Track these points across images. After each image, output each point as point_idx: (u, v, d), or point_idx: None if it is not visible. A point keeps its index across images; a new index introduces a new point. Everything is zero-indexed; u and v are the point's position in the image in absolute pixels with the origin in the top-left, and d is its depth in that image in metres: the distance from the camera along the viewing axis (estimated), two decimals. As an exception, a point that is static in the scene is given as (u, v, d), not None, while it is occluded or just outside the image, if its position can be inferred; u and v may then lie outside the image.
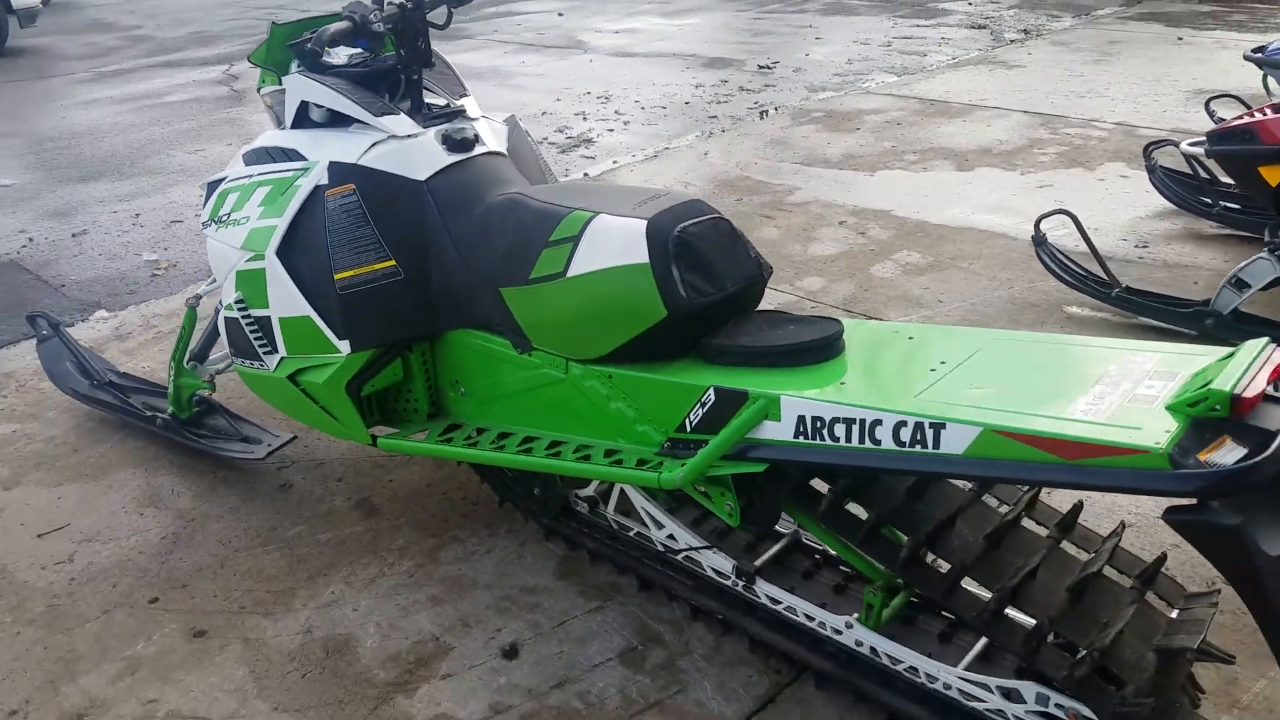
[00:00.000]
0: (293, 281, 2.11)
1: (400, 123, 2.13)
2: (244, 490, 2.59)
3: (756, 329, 1.81)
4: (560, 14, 9.78)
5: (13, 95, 7.37)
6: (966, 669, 1.67)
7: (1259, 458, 1.24)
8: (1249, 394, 1.27)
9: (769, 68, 7.11)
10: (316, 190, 2.09)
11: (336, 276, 2.05)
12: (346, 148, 2.11)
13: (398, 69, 2.21)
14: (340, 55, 2.23)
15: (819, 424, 1.56)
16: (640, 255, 1.74)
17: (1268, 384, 1.31)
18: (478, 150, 2.17)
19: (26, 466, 2.71)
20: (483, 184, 2.11)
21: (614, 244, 1.78)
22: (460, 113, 2.25)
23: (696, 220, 1.81)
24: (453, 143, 2.13)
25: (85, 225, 4.62)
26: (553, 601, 2.16)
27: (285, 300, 2.13)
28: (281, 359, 2.19)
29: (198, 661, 2.03)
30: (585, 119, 6.07)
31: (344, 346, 2.08)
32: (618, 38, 8.52)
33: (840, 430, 1.53)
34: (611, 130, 5.81)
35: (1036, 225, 3.21)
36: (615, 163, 5.17)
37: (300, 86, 2.20)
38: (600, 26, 9.06)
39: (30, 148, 5.95)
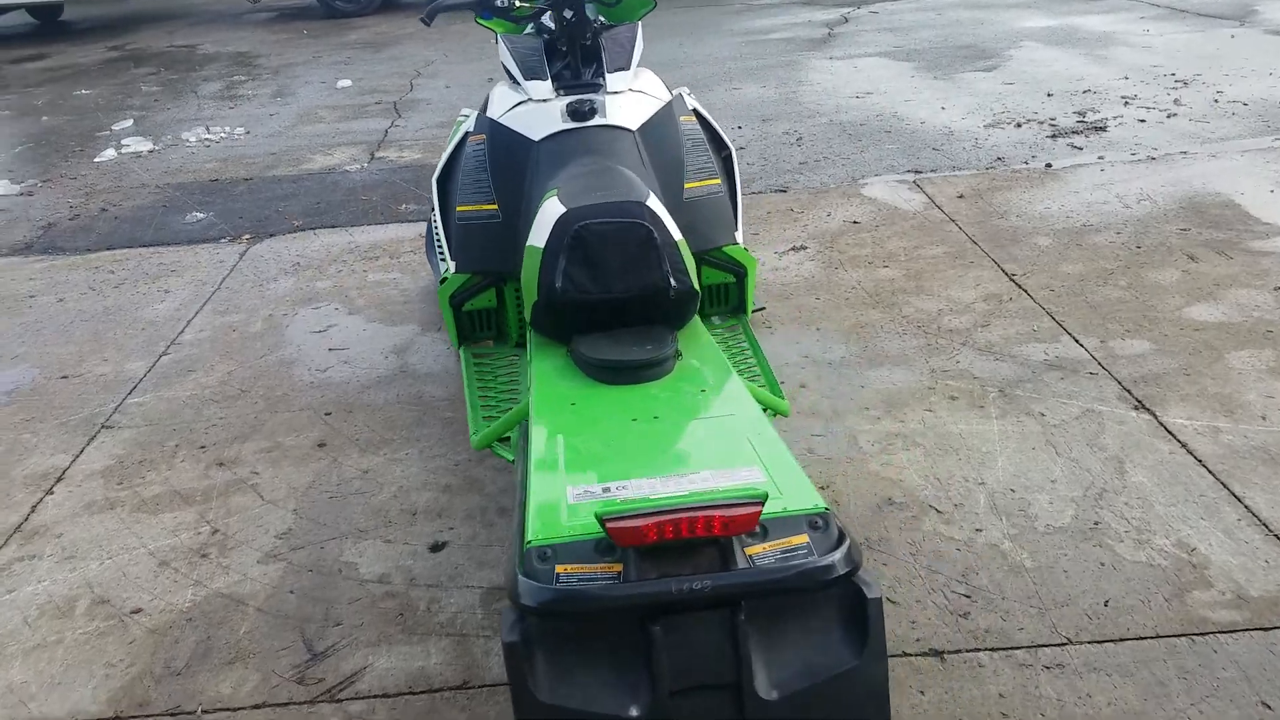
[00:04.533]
0: (439, 205, 2.56)
1: (540, 88, 2.39)
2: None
3: (617, 339, 1.77)
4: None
5: (686, 19, 8.80)
6: None
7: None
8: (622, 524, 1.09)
9: None
10: (465, 135, 2.48)
11: (457, 208, 2.44)
12: (500, 102, 2.45)
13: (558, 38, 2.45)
14: (547, 20, 2.54)
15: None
16: (542, 239, 1.83)
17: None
18: (595, 121, 2.33)
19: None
20: (578, 152, 2.28)
21: (541, 224, 1.88)
22: (597, 86, 2.41)
23: (609, 221, 1.81)
24: (574, 112, 2.32)
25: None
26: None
27: (440, 219, 2.60)
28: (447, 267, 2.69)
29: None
30: (1128, 104, 5.22)
31: (452, 266, 2.49)
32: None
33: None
34: (1143, 121, 4.93)
35: None
36: (1100, 157, 4.46)
37: (500, 45, 2.59)
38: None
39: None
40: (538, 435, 1.46)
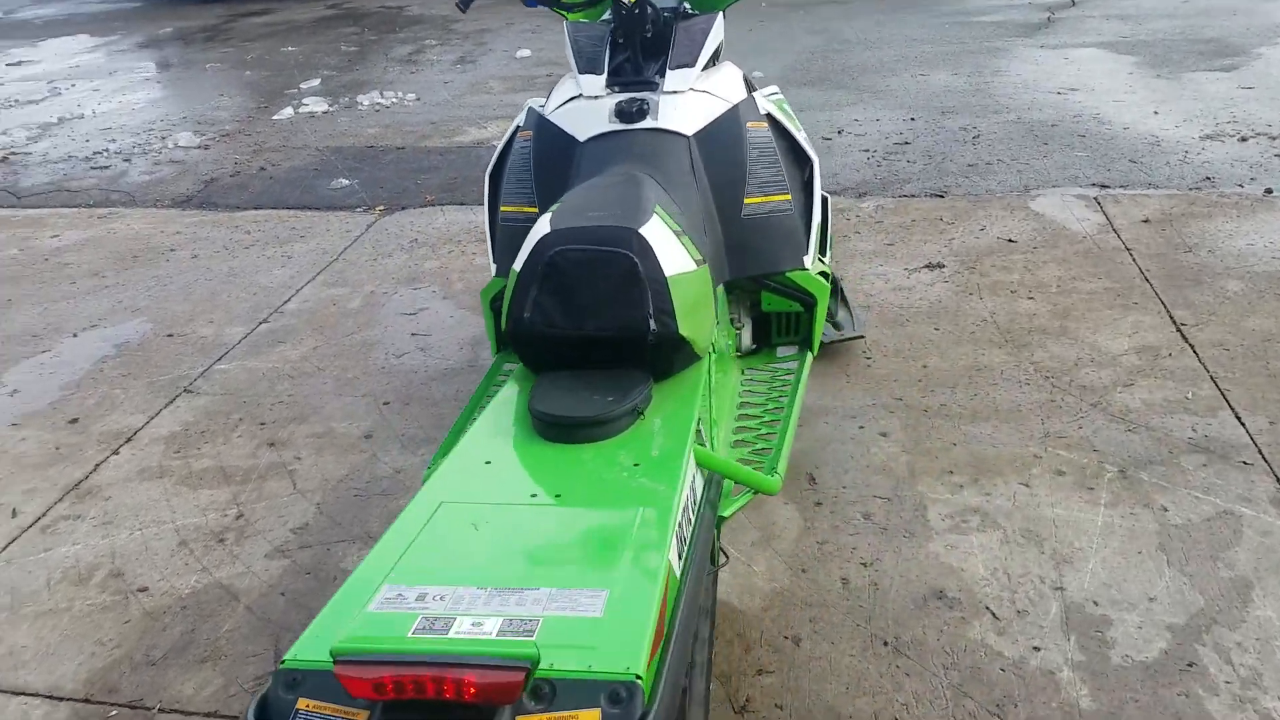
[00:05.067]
0: (489, 202, 2.40)
1: (593, 83, 2.18)
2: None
3: (579, 384, 1.56)
4: None
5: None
6: None
7: None
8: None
9: None
10: (516, 130, 2.31)
11: (501, 208, 2.29)
12: (556, 96, 2.26)
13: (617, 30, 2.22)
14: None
15: None
16: (520, 261, 1.64)
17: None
18: (644, 124, 2.10)
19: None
20: (622, 157, 2.07)
21: (527, 243, 1.69)
22: (651, 84, 2.17)
23: (589, 248, 1.59)
24: (621, 112, 2.11)
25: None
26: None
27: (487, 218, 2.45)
28: None
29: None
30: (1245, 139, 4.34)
31: (493, 268, 2.34)
32: None
33: None
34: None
35: None
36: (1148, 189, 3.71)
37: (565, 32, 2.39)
38: None
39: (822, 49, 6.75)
40: (415, 502, 1.28)
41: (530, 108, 2.27)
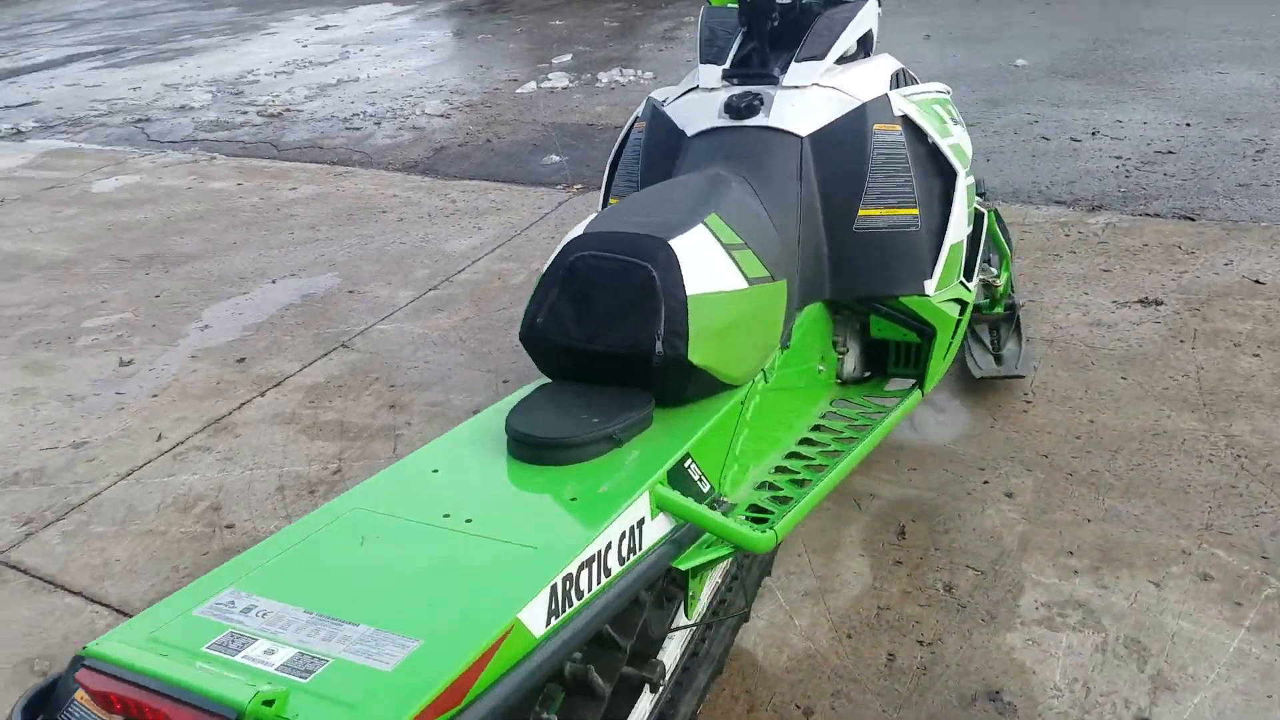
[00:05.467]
0: (603, 194, 2.31)
1: (711, 74, 2.04)
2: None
3: (570, 399, 1.44)
4: None
5: None
6: None
7: None
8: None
9: None
10: (634, 120, 2.20)
11: (609, 201, 2.20)
12: (680, 86, 2.13)
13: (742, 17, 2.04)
14: None
15: None
16: (549, 260, 1.55)
17: None
18: (755, 120, 1.92)
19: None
20: (726, 155, 1.91)
21: (561, 242, 1.60)
22: (772, 78, 1.97)
23: (612, 257, 1.46)
24: (731, 107, 1.94)
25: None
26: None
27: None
28: None
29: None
30: None
31: None
32: None
33: None
34: None
35: None
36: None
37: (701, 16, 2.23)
38: None
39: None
40: (332, 503, 1.24)
41: (650, 98, 2.16)
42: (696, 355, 1.45)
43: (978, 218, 2.15)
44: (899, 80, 2.10)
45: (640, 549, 1.26)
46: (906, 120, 1.97)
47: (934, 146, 2.00)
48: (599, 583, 1.16)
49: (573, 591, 1.11)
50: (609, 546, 1.18)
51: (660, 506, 1.31)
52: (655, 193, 1.72)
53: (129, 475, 2.47)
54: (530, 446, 1.33)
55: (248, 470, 2.47)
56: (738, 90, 1.98)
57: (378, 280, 3.54)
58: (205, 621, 1.01)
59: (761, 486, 1.65)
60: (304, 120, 5.71)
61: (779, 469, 1.72)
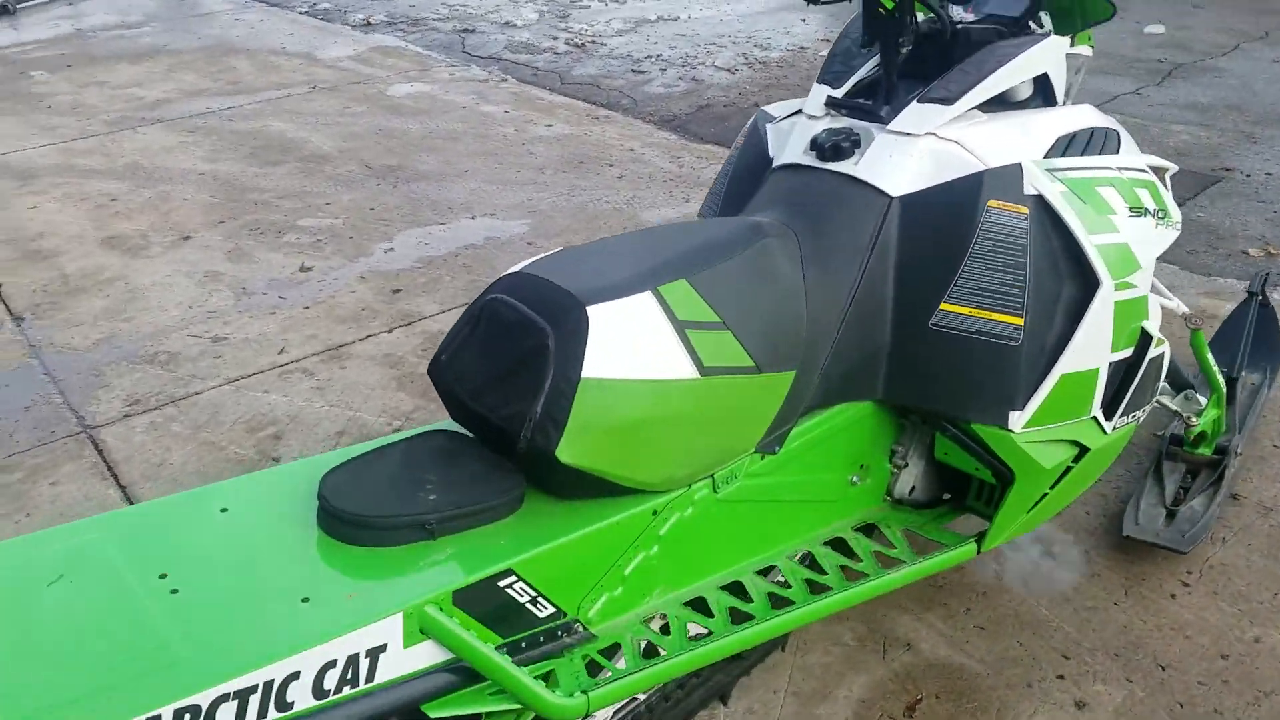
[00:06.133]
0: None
1: (817, 98, 1.68)
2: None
3: (416, 461, 1.26)
4: None
5: None
6: None
7: None
8: None
9: None
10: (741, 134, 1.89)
11: (696, 216, 1.94)
12: (792, 103, 1.79)
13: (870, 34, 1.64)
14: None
15: None
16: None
17: None
18: (838, 166, 1.57)
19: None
20: (798, 199, 1.59)
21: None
22: (879, 116, 1.57)
23: (519, 308, 1.26)
24: (818, 144, 1.59)
25: None
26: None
27: None
28: None
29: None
30: None
31: None
32: None
33: None
34: None
35: None
36: None
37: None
38: None
39: None
40: (78, 523, 1.15)
41: (760, 111, 1.85)
42: (568, 454, 1.20)
43: (1143, 339, 1.61)
44: (1078, 145, 1.61)
45: (365, 683, 1.05)
46: (1040, 202, 1.50)
47: (1075, 243, 1.51)
48: (260, 715, 0.98)
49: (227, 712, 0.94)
50: (296, 675, 0.99)
51: (425, 632, 1.09)
52: (638, 238, 1.45)
53: (233, 382, 2.62)
54: (327, 514, 1.17)
55: (328, 406, 2.52)
56: (836, 124, 1.62)
57: (561, 236, 3.46)
58: None
59: (661, 620, 1.36)
60: (601, 55, 5.71)
61: (700, 600, 1.41)
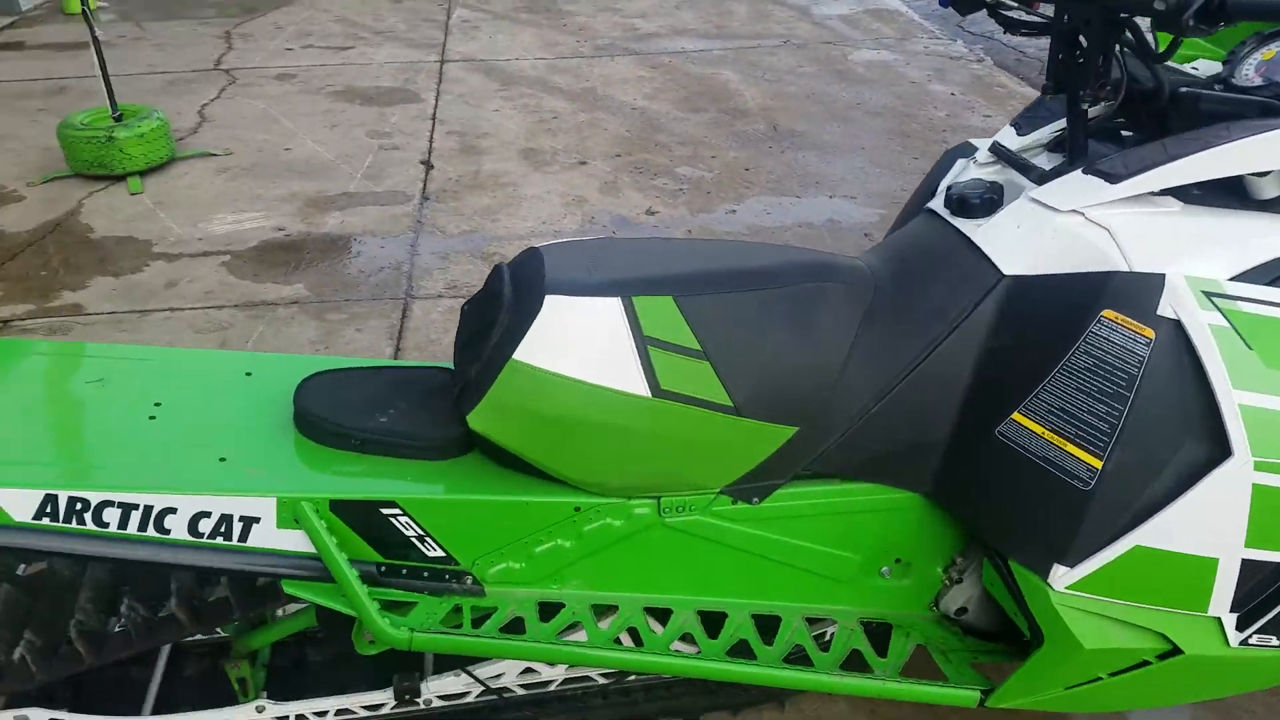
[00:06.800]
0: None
1: (1002, 139, 1.52)
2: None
3: (396, 388, 1.46)
4: None
5: None
6: None
7: None
8: None
9: None
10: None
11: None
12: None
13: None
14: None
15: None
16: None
17: None
18: (959, 221, 1.41)
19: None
20: (906, 241, 1.48)
21: None
22: (1032, 176, 1.36)
23: (503, 280, 1.37)
24: (952, 196, 1.43)
25: None
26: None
27: None
28: None
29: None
30: None
31: None
32: None
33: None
34: None
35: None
36: None
37: None
38: None
39: None
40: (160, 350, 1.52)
41: (965, 143, 1.68)
42: (478, 421, 1.30)
43: None
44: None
45: (231, 543, 1.29)
46: (1176, 330, 1.19)
47: (1210, 393, 1.18)
48: (131, 529, 1.26)
49: (88, 514, 1.25)
50: (169, 512, 1.26)
51: (298, 522, 1.30)
52: (676, 246, 1.45)
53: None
54: (297, 411, 1.42)
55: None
56: (985, 173, 1.45)
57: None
58: None
59: (556, 607, 1.41)
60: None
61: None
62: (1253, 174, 1.29)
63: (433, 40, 5.42)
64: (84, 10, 3.47)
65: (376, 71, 4.88)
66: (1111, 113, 1.45)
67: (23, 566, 1.55)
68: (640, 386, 1.27)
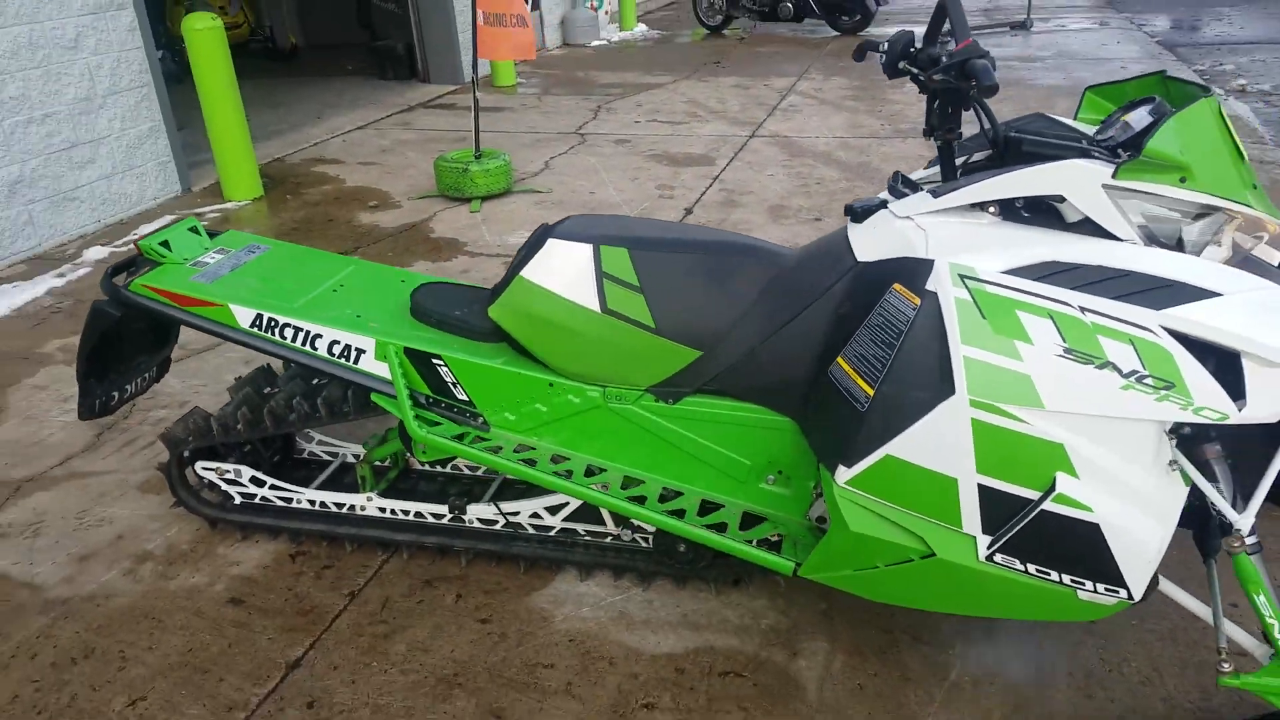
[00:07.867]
0: None
1: (913, 174, 1.93)
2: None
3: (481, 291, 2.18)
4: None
5: None
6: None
7: None
8: None
9: None
10: None
11: None
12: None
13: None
14: None
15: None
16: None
17: None
18: (849, 226, 1.84)
19: None
20: (828, 239, 1.91)
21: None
22: (905, 194, 1.77)
23: (545, 226, 2.01)
24: (848, 208, 1.87)
25: None
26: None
27: None
28: None
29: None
30: None
31: None
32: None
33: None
34: None
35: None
36: None
37: None
38: None
39: None
40: (352, 261, 2.37)
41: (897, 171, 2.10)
42: (495, 312, 1.98)
43: (1050, 487, 1.49)
44: (1081, 278, 1.50)
45: (349, 363, 2.07)
46: (933, 300, 1.57)
47: (947, 347, 1.54)
48: (298, 343, 2.08)
49: (277, 330, 2.09)
50: (319, 337, 2.07)
51: (385, 359, 2.05)
52: (646, 222, 2.01)
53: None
54: (411, 301, 2.18)
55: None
56: (884, 193, 1.87)
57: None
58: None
59: (537, 456, 2.01)
60: None
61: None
62: (1052, 199, 1.58)
63: (754, 119, 6.24)
64: (473, 80, 4.75)
65: (693, 142, 5.78)
66: (985, 155, 1.81)
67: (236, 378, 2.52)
68: (594, 304, 1.87)
